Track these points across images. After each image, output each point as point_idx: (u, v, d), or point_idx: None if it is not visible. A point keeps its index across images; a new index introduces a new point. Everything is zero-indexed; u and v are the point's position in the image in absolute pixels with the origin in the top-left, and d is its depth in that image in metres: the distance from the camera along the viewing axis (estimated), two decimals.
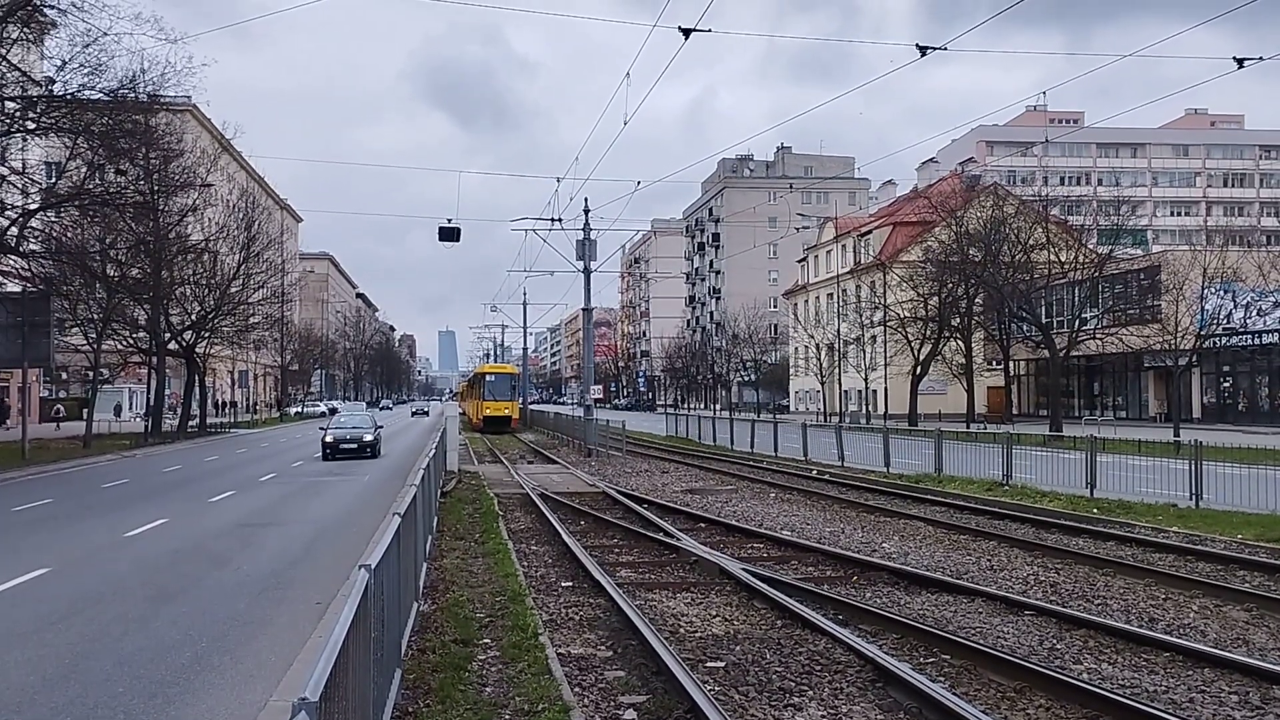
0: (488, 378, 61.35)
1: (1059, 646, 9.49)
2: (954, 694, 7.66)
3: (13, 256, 34.80)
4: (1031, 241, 51.72)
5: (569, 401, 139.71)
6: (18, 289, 37.10)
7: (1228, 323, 44.98)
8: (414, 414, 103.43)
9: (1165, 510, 18.15)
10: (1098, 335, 49.93)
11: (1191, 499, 18.59)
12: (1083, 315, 50.57)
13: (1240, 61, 20.11)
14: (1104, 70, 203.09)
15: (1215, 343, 46.01)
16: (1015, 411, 58.80)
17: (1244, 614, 10.86)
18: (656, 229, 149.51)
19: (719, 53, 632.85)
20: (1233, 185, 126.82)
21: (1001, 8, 18.18)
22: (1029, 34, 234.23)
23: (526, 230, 43.37)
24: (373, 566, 5.32)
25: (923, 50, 19.27)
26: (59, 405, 62.46)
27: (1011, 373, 59.74)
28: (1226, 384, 53.44)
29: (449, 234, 40.20)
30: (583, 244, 39.50)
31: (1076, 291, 50.97)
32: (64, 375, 70.20)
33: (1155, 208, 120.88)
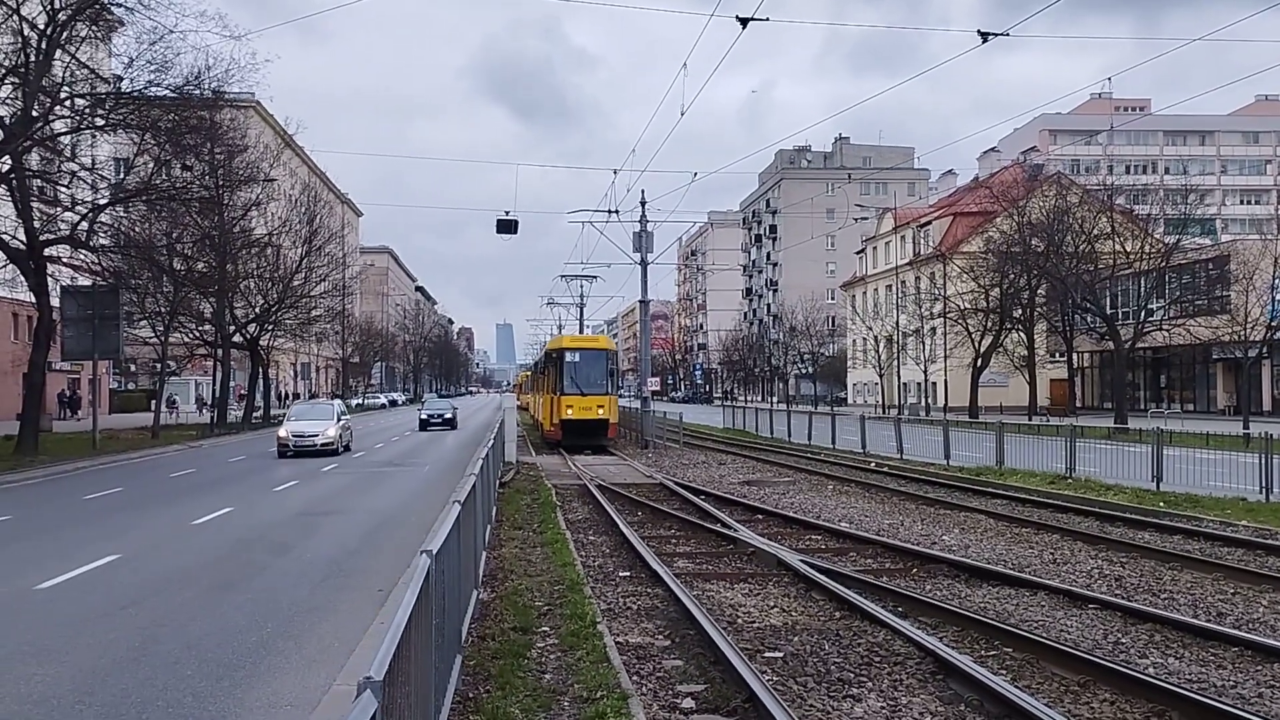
0: (569, 356, 36.39)
1: (1124, 641, 9.34)
2: (1016, 687, 7.58)
3: (83, 251, 35.58)
4: (1096, 231, 50.82)
5: (626, 394, 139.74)
6: (88, 283, 37.94)
7: None
8: (426, 424, 52.33)
9: (1234, 504, 17.79)
10: (1164, 327, 48.91)
11: (1261, 493, 18.23)
12: (1149, 306, 49.58)
13: None
14: (1172, 56, 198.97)
15: None
16: (1079, 405, 57.86)
17: None
18: (713, 221, 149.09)
19: (778, 44, 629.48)
20: None
21: None
22: (1097, 19, 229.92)
23: (584, 223, 43.41)
24: (434, 552, 5.38)
25: (984, 36, 19.01)
26: (173, 395, 63.52)
27: (1075, 365, 58.78)
28: None
29: (506, 226, 40.48)
30: (639, 236, 39.52)
31: (1142, 282, 49.98)
32: (132, 367, 71.69)
33: (1224, 196, 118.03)
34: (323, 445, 32.82)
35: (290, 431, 33.27)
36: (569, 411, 35.29)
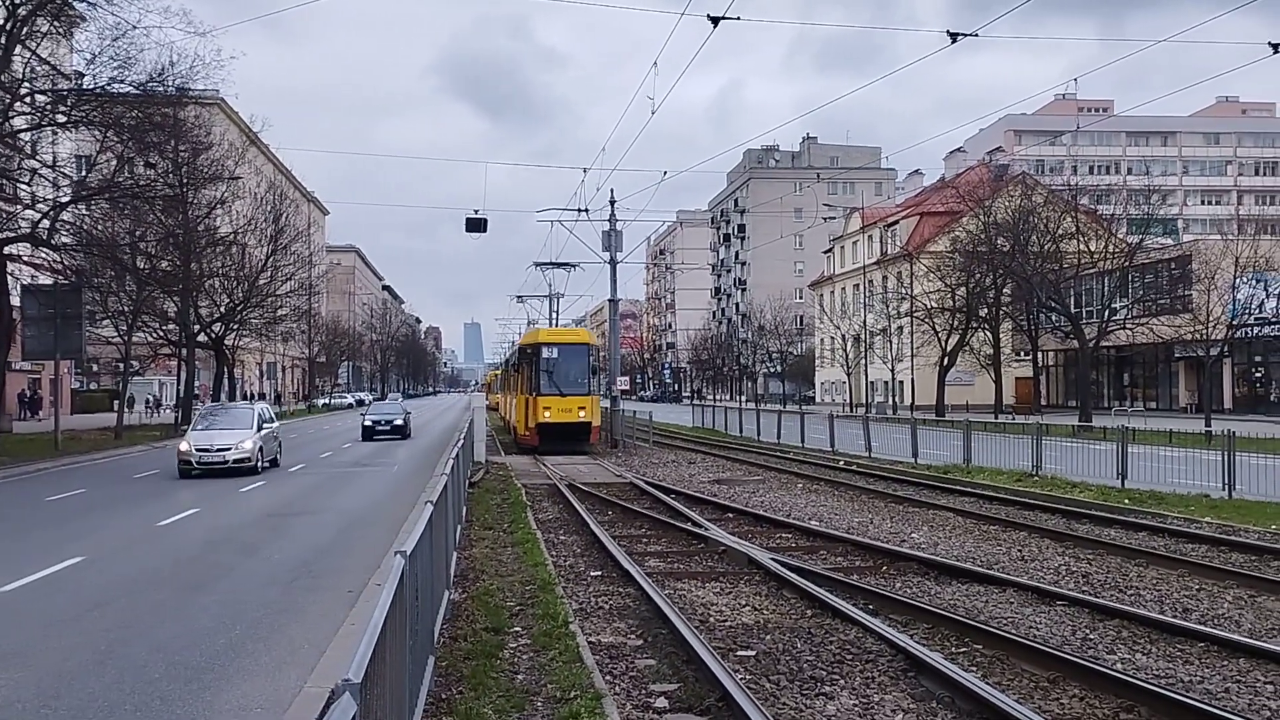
0: (546, 351, 33.42)
1: (1092, 637, 9.43)
2: (987, 683, 7.63)
3: (45, 249, 35.14)
4: (1060, 231, 51.26)
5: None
6: (50, 282, 37.45)
7: (1259, 312, 44.45)
8: (371, 432, 43.13)
9: (1198, 501, 18.01)
10: (1128, 326, 49.47)
11: (1224, 489, 18.44)
12: (1112, 305, 50.09)
13: (1275, 47, 19.85)
14: (1134, 58, 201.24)
15: (1247, 333, 45.50)
16: (1044, 403, 58.33)
17: (1279, 604, 10.76)
18: (682, 220, 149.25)
19: (746, 43, 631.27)
20: (1264, 174, 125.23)
21: None
22: (1061, 21, 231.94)
23: (553, 221, 43.19)
24: (408, 553, 5.34)
25: (953, 37, 19.13)
26: (148, 395, 62.31)
27: (1040, 364, 59.30)
28: (1258, 374, 52.87)
29: (476, 225, 40.22)
30: (609, 235, 39.44)
31: (1106, 281, 50.50)
32: (95, 367, 70.85)
33: (1186, 196, 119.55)
34: (236, 462, 25.87)
35: (194, 444, 26.01)
36: (546, 414, 32.35)
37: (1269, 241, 51.90)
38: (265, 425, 28.36)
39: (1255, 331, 46.80)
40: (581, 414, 32.60)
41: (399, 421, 43.65)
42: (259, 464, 26.76)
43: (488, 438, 34.49)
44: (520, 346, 38.93)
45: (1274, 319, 46.35)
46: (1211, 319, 40.72)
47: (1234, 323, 41.73)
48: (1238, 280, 42.48)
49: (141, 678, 8.16)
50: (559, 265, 48.14)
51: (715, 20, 18.71)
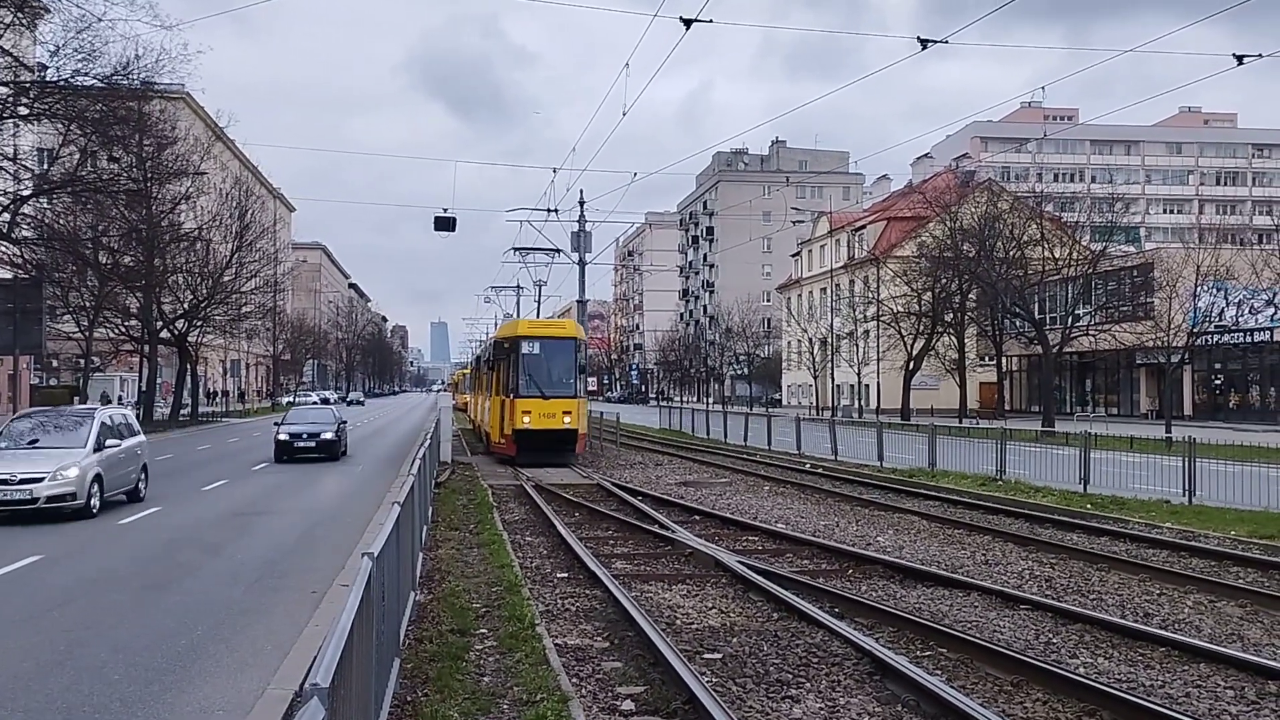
0: (526, 346, 28.77)
1: (1055, 641, 9.51)
2: (951, 687, 7.68)
3: (4, 243, 34.59)
4: (1025, 238, 51.76)
5: None
6: (9, 275, 36.92)
7: (1220, 320, 45.07)
8: (290, 449, 30.07)
9: (1159, 506, 18.19)
10: (1091, 332, 50.01)
11: (1184, 495, 18.66)
12: (1076, 312, 50.63)
13: (1240, 58, 20.15)
14: (1100, 67, 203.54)
15: (1207, 340, 46.12)
16: (1008, 408, 58.87)
17: (1238, 609, 10.90)
18: (651, 222, 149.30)
19: (716, 46, 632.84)
20: (1225, 183, 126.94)
21: (1003, 2, 18.09)
22: (1028, 29, 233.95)
23: (522, 221, 42.94)
24: (375, 554, 5.30)
25: (924, 43, 19.26)
26: (105, 392, 61.11)
27: (1004, 369, 59.81)
28: (1218, 381, 53.60)
29: (444, 223, 40.01)
30: (578, 235, 39.40)
31: (1070, 288, 51.06)
32: (54, 363, 69.90)
33: (1148, 205, 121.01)
34: (51, 500, 16.74)
35: None
36: (526, 420, 27.91)
37: (1230, 250, 52.66)
38: (111, 443, 18.75)
39: (1215, 339, 47.47)
40: (567, 420, 28.21)
41: (328, 435, 30.95)
42: (92, 500, 17.53)
43: (454, 437, 34.27)
44: (496, 340, 33.93)
45: (1233, 327, 47.04)
46: (1173, 326, 41.20)
47: (1195, 330, 42.26)
48: (1199, 288, 43.03)
49: (101, 679, 8.06)
50: (540, 250, 42.62)
51: (688, 23, 18.73)
